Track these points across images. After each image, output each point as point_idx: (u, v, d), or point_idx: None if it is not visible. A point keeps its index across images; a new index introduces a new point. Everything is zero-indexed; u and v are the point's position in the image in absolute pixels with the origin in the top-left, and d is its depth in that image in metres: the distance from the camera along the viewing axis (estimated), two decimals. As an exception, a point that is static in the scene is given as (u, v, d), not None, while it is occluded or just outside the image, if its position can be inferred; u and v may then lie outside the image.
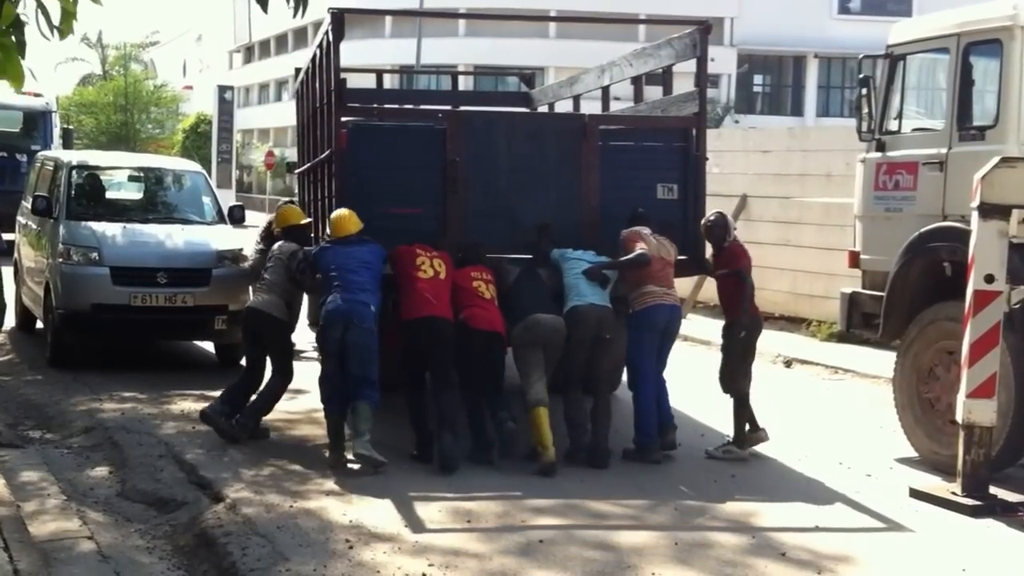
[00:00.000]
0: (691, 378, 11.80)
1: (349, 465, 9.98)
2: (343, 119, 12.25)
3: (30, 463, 9.98)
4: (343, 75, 12.45)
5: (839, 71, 67.17)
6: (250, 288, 13.07)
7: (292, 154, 72.42)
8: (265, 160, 59.34)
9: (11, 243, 18.09)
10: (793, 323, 19.87)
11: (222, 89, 63.37)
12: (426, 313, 10.34)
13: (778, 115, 62.82)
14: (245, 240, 15.27)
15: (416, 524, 8.48)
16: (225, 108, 61.59)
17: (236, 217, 15.99)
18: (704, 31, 12.05)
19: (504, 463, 10.29)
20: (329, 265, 10.57)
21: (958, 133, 10.75)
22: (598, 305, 10.71)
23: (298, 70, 17.60)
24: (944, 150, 10.83)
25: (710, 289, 12.98)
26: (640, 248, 10.76)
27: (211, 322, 14.23)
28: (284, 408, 11.92)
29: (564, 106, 17.89)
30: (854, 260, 12.25)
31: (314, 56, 14.28)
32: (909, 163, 11.25)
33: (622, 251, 10.98)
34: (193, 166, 17.80)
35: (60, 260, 14.23)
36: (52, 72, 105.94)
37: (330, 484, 9.45)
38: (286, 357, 11.24)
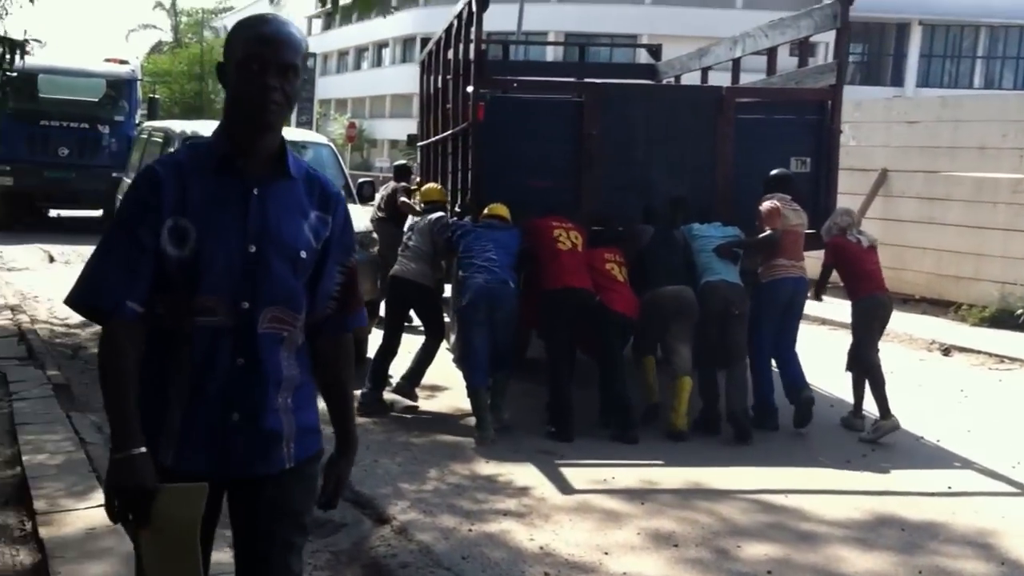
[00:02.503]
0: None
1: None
2: (481, 91, 11.89)
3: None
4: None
5: (942, 39, 65.34)
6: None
7: (372, 126, 71.98)
8: (347, 132, 58.07)
9: None
10: (937, 306, 18.63)
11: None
12: (570, 283, 10.52)
13: (876, 85, 60.90)
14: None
15: (615, 550, 7.33)
16: (305, 76, 60.65)
17: (365, 195, 14.67)
18: (846, 2, 11.70)
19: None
20: (471, 246, 10.71)
21: None
22: (730, 282, 10.86)
23: (425, 41, 16.89)
24: None
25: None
26: (774, 227, 10.91)
27: None
28: (425, 408, 11.30)
29: (691, 78, 17.38)
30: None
31: (449, 26, 14.05)
32: None
33: (758, 222, 11.09)
34: (319, 138, 16.28)
35: None
36: (124, 40, 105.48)
37: (503, 501, 8.28)
38: (438, 320, 11.56)
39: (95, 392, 11.29)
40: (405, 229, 12.07)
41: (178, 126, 15.35)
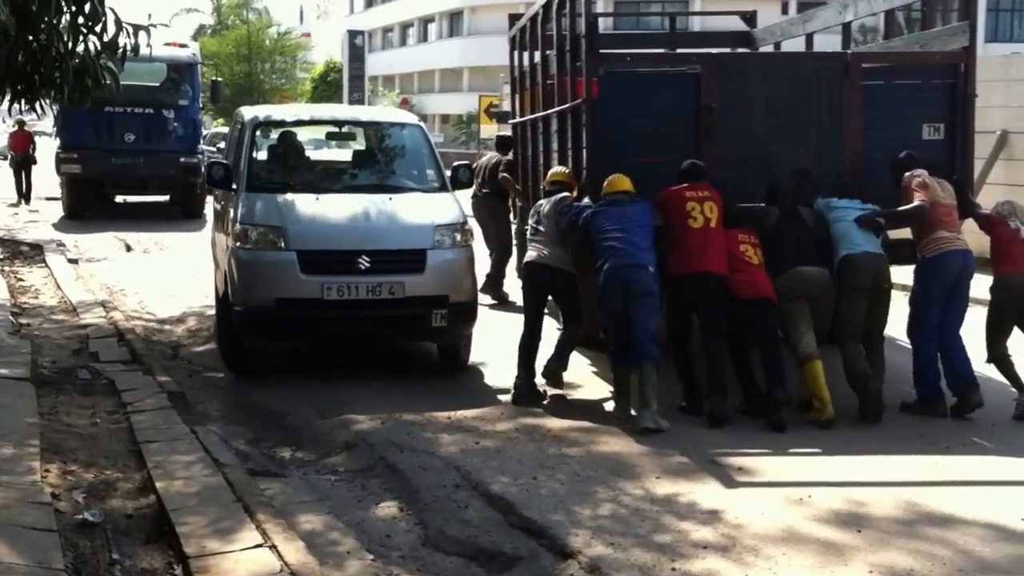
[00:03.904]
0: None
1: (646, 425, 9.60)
2: (594, 66, 11.37)
3: (302, 500, 7.97)
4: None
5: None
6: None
7: (422, 102, 71.30)
8: (400, 108, 57.19)
9: None
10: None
11: (352, 34, 61.54)
12: (696, 268, 10.08)
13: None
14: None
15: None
16: (356, 54, 59.79)
17: (462, 180, 12.84)
18: None
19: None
20: (602, 226, 10.27)
21: None
22: (873, 253, 10.31)
23: (513, 17, 16.11)
24: None
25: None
26: (920, 199, 10.25)
27: (427, 317, 11.14)
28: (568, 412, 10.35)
29: (793, 45, 16.39)
30: None
31: (549, 1, 13.33)
32: None
33: (903, 198, 10.45)
34: (408, 117, 14.50)
35: (237, 244, 11.36)
36: (168, 25, 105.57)
37: (697, 529, 7.30)
38: (576, 306, 11.01)
39: (211, 399, 10.66)
40: (531, 214, 11.48)
41: (250, 111, 13.92)
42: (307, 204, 11.70)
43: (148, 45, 10.43)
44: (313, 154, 14.95)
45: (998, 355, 10.41)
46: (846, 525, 7.42)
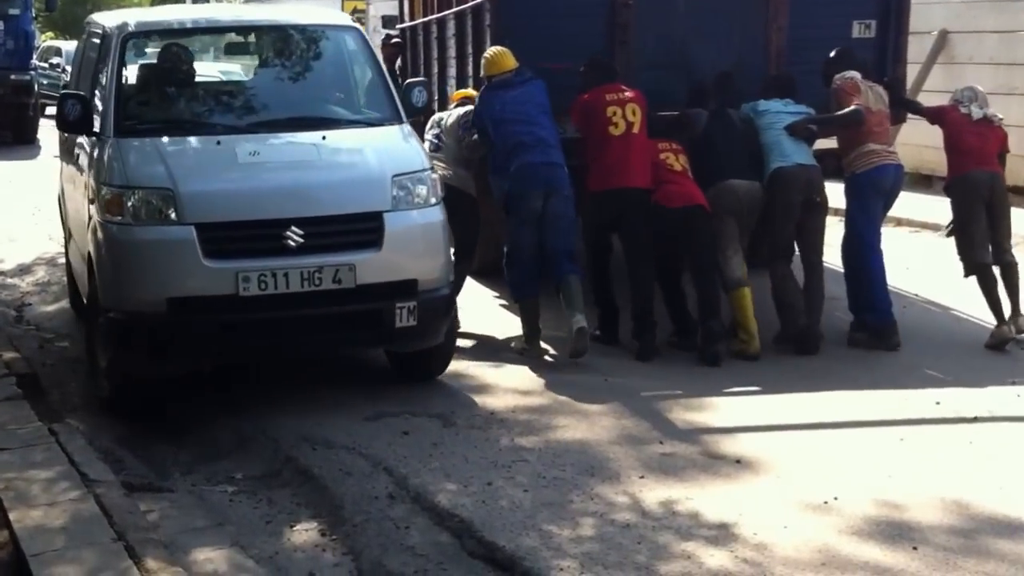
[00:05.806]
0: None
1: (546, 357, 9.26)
2: None
3: (196, 527, 6.29)
4: None
5: None
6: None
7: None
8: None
9: None
10: (1024, 195, 16.14)
11: (193, -66, 58.56)
12: (615, 184, 9.36)
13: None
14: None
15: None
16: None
17: (418, 104, 9.11)
18: None
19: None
20: (496, 113, 9.36)
21: None
22: (806, 165, 9.60)
23: None
24: None
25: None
26: (856, 103, 9.51)
27: (389, 315, 7.85)
28: (499, 382, 8.82)
29: None
30: None
31: None
32: None
33: (833, 102, 9.77)
34: (341, 17, 10.87)
35: (106, 216, 7.91)
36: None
37: (710, 552, 5.74)
38: (474, 237, 10.24)
39: (70, 380, 8.85)
40: (429, 125, 10.36)
41: (115, 17, 9.80)
42: (206, 152, 8.31)
43: None
44: (202, 79, 10.72)
45: (979, 265, 9.63)
46: (894, 541, 5.89)
